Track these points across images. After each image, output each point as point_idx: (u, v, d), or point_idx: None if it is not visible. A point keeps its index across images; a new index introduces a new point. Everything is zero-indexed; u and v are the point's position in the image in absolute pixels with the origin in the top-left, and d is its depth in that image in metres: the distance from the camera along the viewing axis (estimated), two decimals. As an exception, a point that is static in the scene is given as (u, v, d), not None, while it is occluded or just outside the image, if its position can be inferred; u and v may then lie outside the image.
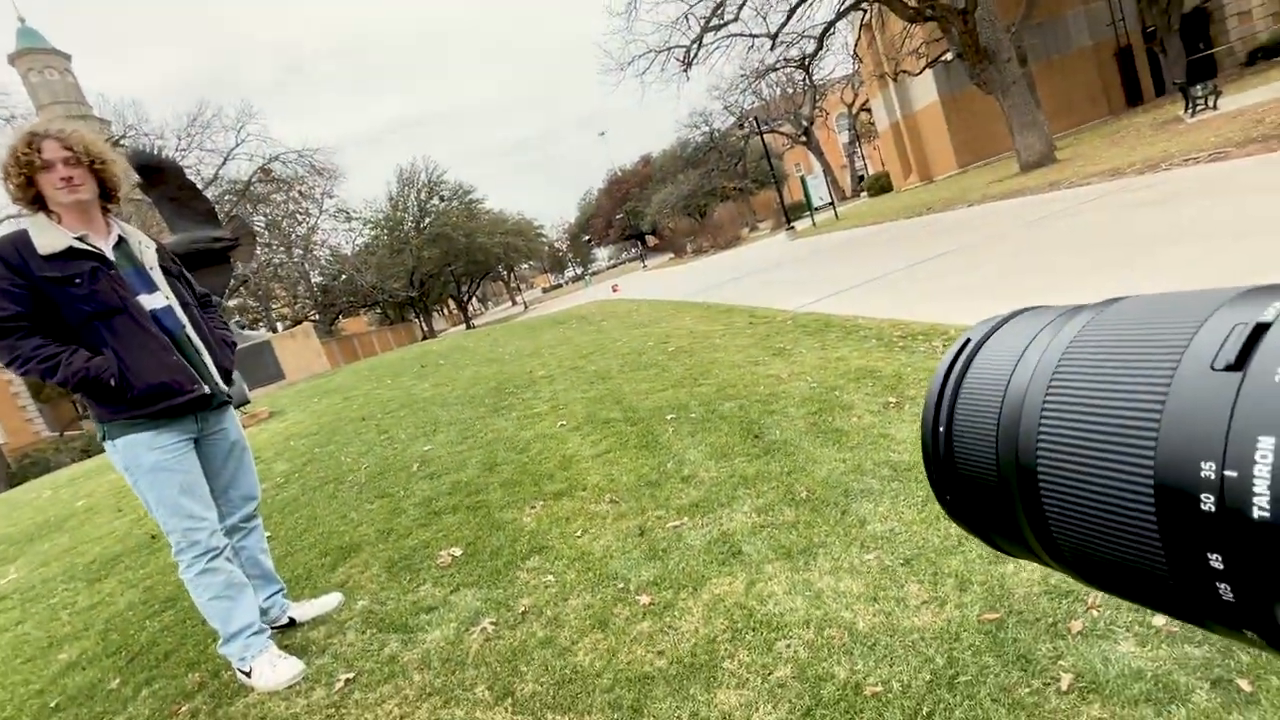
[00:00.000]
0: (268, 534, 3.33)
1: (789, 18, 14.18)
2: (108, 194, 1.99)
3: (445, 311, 56.37)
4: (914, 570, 1.75)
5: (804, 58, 18.47)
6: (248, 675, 1.98)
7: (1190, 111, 12.68)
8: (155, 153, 12.69)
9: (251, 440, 6.00)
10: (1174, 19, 18.70)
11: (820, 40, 16.40)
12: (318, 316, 29.57)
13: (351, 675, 1.91)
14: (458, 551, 2.56)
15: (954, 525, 1.91)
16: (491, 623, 2.00)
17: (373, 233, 34.72)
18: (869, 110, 34.11)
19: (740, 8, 12.70)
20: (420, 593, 2.33)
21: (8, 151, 1.88)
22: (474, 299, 53.92)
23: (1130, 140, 12.30)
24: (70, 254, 1.86)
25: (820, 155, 36.17)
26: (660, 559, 2.14)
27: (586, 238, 69.97)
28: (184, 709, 1.97)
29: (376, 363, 10.57)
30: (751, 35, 13.72)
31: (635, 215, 58.46)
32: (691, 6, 12.40)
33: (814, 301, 6.82)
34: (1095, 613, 1.45)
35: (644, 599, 1.93)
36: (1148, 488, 0.20)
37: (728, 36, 13.34)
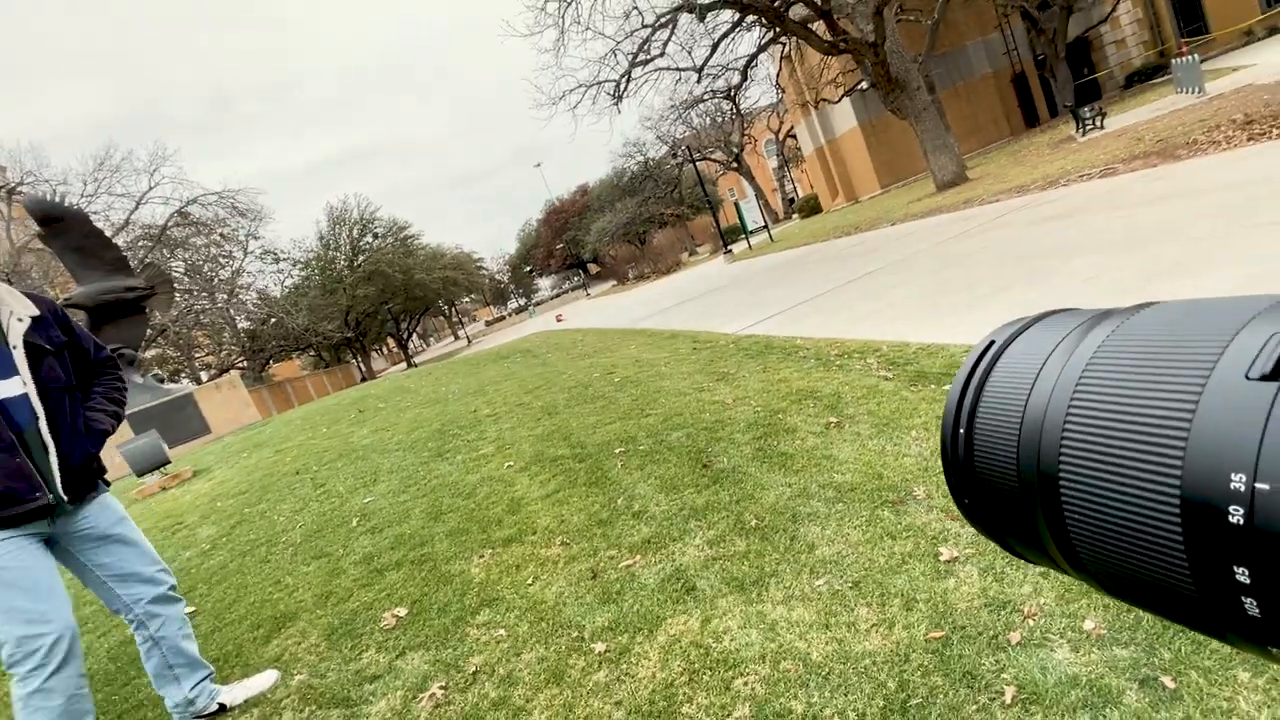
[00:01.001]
0: (192, 608, 3.09)
1: (712, 52, 14.76)
2: None
3: (385, 350, 54.69)
4: (862, 593, 1.78)
5: (730, 89, 19.22)
6: None
7: (1081, 131, 13.85)
8: (58, 200, 11.91)
9: (174, 504, 5.61)
10: (1060, 47, 20.51)
11: (744, 72, 17.12)
12: (245, 364, 28.10)
13: (288, 761, 1.78)
14: (402, 611, 2.44)
15: (898, 543, 1.96)
16: (441, 687, 1.91)
17: (303, 273, 33.48)
18: (795, 136, 35.66)
19: (665, 44, 13.16)
20: (363, 660, 2.20)
21: None
22: (414, 336, 52.56)
23: (1031, 159, 13.30)
24: None
25: (752, 180, 37.45)
26: (614, 602, 2.10)
27: (528, 268, 69.68)
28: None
29: (312, 409, 10.10)
30: (678, 69, 14.21)
31: (576, 244, 58.74)
32: (618, 43, 12.75)
33: (754, 324, 6.99)
34: (1032, 622, 1.50)
35: (599, 646, 1.88)
36: (1174, 498, 0.19)
37: (655, 70, 13.78)
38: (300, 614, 2.68)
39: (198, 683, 2.09)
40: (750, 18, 14.52)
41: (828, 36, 14.19)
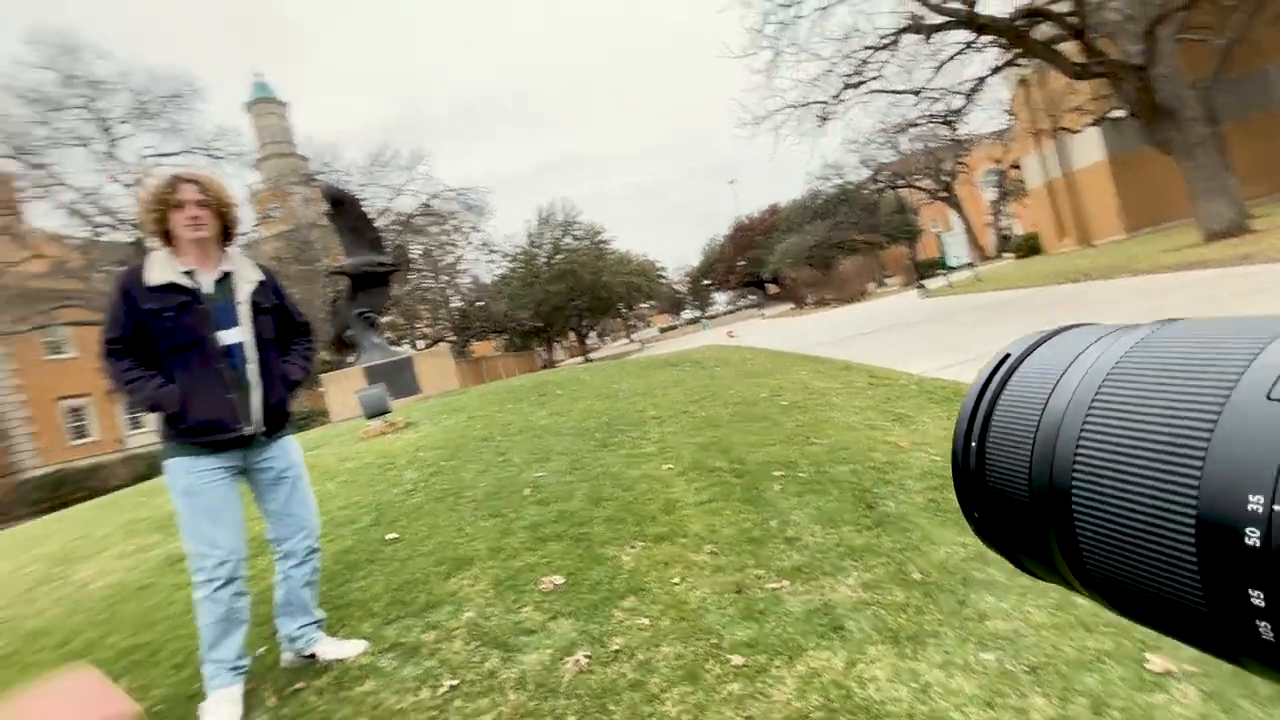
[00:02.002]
0: (393, 535, 3.65)
1: (936, 74, 13.82)
2: (227, 234, 2.30)
3: (564, 343, 59.04)
4: (1040, 680, 1.60)
5: (949, 113, 17.77)
6: (202, 702, 2.09)
7: None
8: (341, 188, 14.65)
9: (388, 447, 6.62)
10: None
11: (969, 96, 15.76)
12: (454, 338, 32.14)
13: (455, 683, 2.05)
14: (559, 580, 2.67)
15: (1092, 638, 1.72)
16: (585, 655, 2.07)
17: (510, 265, 37.45)
18: (1019, 167, 31.94)
19: (883, 65, 12.60)
20: (522, 614, 2.45)
21: (150, 190, 2.21)
22: (592, 333, 56.02)
23: (1352, 212, 10.53)
24: (169, 288, 2.13)
25: (961, 212, 34.26)
26: (757, 620, 2.11)
27: (707, 282, 70.68)
28: (316, 684, 2.20)
29: (500, 386, 11.27)
30: (894, 91, 13.50)
31: (757, 263, 58.35)
32: (834, 65, 12.49)
33: (944, 367, 6.43)
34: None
35: (736, 659, 1.90)
36: (1189, 518, 0.19)
37: (869, 92, 13.25)
38: (475, 561, 3.04)
39: (303, 625, 2.36)
40: (985, 38, 13.35)
41: (1079, 58, 12.54)
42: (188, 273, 2.17)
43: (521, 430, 6.25)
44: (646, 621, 2.23)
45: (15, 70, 19.78)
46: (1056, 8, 11.79)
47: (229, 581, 2.14)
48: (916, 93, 13.49)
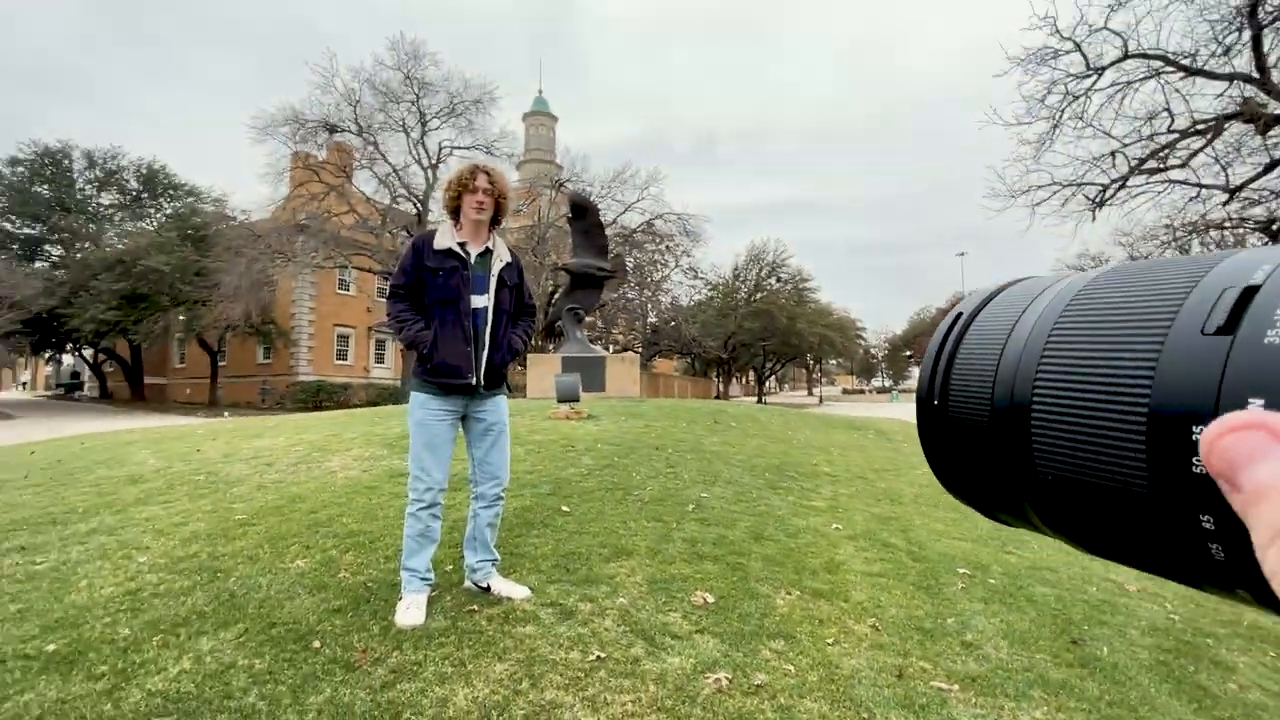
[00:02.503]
0: (566, 509, 3.97)
1: (1266, 171, 11.38)
2: (497, 219, 2.73)
3: (742, 380, 58.63)
4: None
5: (1274, 220, 14.53)
6: (399, 601, 2.48)
7: None
8: (586, 196, 16.28)
9: (571, 431, 7.19)
10: None
11: (1310, 203, 12.72)
12: (641, 350, 33.74)
13: (602, 655, 2.18)
14: (710, 598, 2.70)
15: None
16: (726, 677, 2.07)
17: (710, 293, 38.34)
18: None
19: (1194, 154, 10.66)
20: (669, 618, 2.52)
21: (455, 173, 2.69)
22: (772, 377, 54.92)
23: None
24: (449, 254, 2.58)
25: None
26: (917, 714, 1.94)
27: (908, 353, 65.54)
28: (487, 612, 2.49)
29: (676, 404, 11.60)
30: (1200, 184, 11.36)
31: (973, 346, 52.66)
32: (1125, 146, 10.88)
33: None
34: None
35: (887, 742, 1.78)
36: (1140, 451, 0.20)
37: (1166, 182, 11.30)
38: (634, 554, 3.19)
39: (483, 559, 2.69)
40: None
41: None
42: (462, 244, 2.66)
43: (692, 450, 6.39)
44: (793, 669, 2.17)
45: (375, 69, 25.26)
46: None
47: (431, 505, 2.59)
48: (1233, 190, 11.23)
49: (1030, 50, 10.81)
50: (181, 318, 29.86)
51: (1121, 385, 0.21)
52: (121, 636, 2.23)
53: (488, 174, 2.68)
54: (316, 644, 2.19)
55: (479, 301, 2.66)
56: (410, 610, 2.42)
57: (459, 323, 2.60)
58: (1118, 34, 10.27)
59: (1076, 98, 10.63)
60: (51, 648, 2.15)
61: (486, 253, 2.71)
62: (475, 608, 2.53)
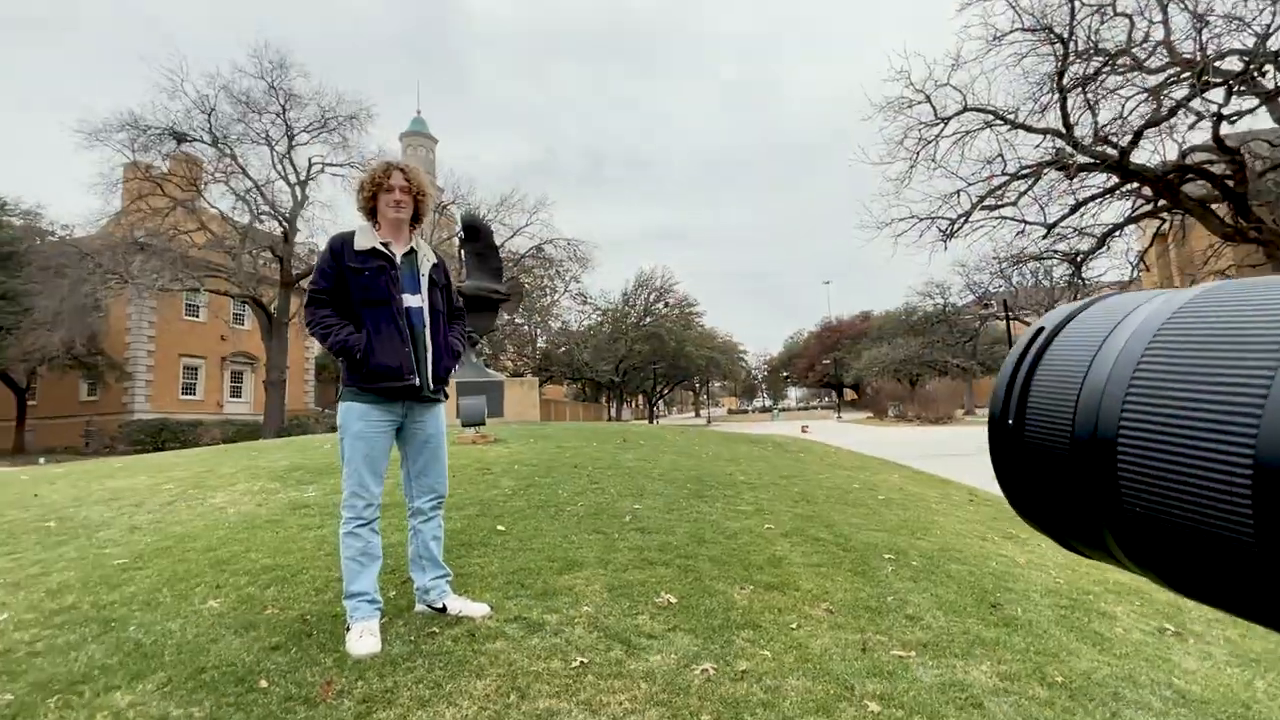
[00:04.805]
0: (501, 528, 3.82)
1: (1071, 212, 13.66)
2: (417, 217, 2.66)
3: (633, 404, 59.43)
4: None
5: (1076, 254, 17.37)
6: (347, 631, 2.27)
7: None
8: (478, 218, 15.94)
9: (481, 455, 6.92)
10: None
11: (1102, 240, 15.40)
12: (531, 376, 33.26)
13: (585, 661, 2.13)
14: (673, 599, 2.72)
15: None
16: (712, 668, 2.10)
17: (599, 319, 38.74)
18: (1143, 323, 30.26)
19: (1021, 195, 12.61)
20: (639, 620, 2.51)
21: (369, 173, 2.63)
22: (661, 400, 56.23)
23: None
24: (372, 254, 2.49)
25: (1070, 356, 32.64)
26: (886, 678, 2.08)
27: (785, 374, 69.95)
28: (450, 633, 2.34)
29: (580, 426, 11.54)
30: (1025, 221, 13.42)
31: (840, 365, 57.42)
32: (969, 185, 12.64)
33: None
34: None
35: (873, 705, 1.89)
36: (1245, 481, 0.18)
37: (999, 218, 13.23)
38: (585, 565, 3.14)
39: (435, 577, 2.55)
40: (1128, 185, 13.17)
41: (1230, 220, 12.09)
42: (385, 244, 2.55)
43: (610, 466, 6.39)
44: (769, 655, 2.24)
45: (234, 76, 23.24)
46: (1215, 168, 11.53)
47: (370, 522, 2.43)
48: (1049, 227, 13.34)
49: (889, 99, 12.27)
50: (-24, 349, 25.15)
51: (1224, 419, 0.19)
52: (3, 704, 1.84)
53: (403, 171, 2.60)
54: (263, 683, 1.94)
55: (411, 301, 2.56)
56: (364, 638, 2.22)
57: (394, 322, 2.48)
58: (958, 89, 11.96)
59: (928, 142, 12.20)
60: (-94, 726, 1.73)
61: (411, 252, 2.62)
62: (435, 629, 2.37)
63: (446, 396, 2.76)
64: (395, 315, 2.48)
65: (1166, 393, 0.22)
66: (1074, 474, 0.24)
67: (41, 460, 18.77)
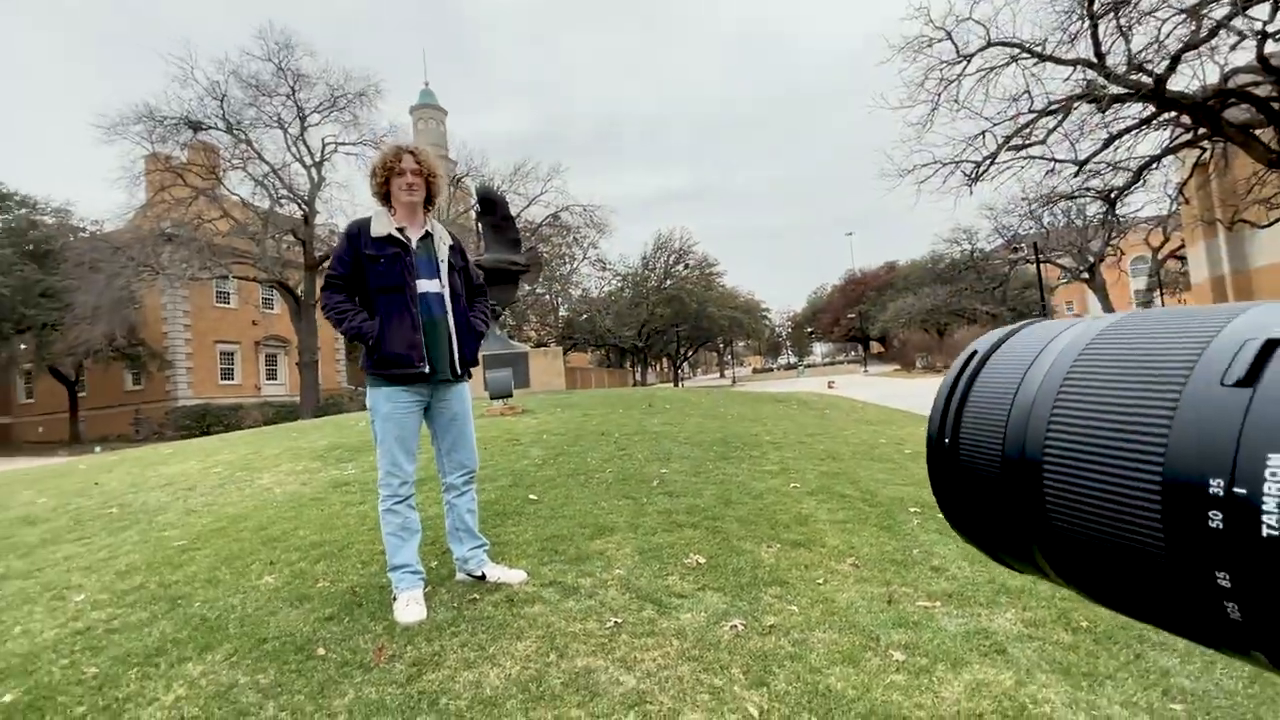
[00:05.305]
0: (533, 497, 3.95)
1: (1104, 147, 13.05)
2: (430, 199, 2.66)
3: (657, 367, 59.62)
4: (1240, 736, 1.55)
5: (1109, 190, 16.66)
6: (394, 601, 2.38)
7: None
8: (493, 189, 15.89)
9: (510, 426, 7.08)
10: None
11: (1137, 174, 14.73)
12: (555, 345, 33.50)
13: (619, 621, 2.23)
14: (702, 559, 2.81)
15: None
16: (741, 623, 2.19)
17: (620, 284, 38.62)
18: (1181, 258, 29.15)
19: (1050, 132, 12.07)
20: (669, 581, 2.61)
21: (379, 158, 2.61)
22: (685, 362, 56.29)
23: None
24: (387, 240, 2.50)
25: (1104, 297, 31.68)
26: (911, 628, 2.15)
27: (810, 330, 69.24)
28: (490, 599, 2.46)
29: (606, 393, 11.68)
30: (1055, 159, 12.87)
31: (865, 319, 56.58)
32: (994, 125, 12.13)
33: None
34: None
35: (897, 654, 1.96)
36: (1155, 504, 0.19)
37: (1027, 158, 12.71)
38: (616, 530, 3.25)
39: (474, 548, 2.65)
40: (1165, 115, 12.50)
41: (1277, 146, 11.44)
42: (400, 229, 2.57)
43: (637, 432, 6.49)
44: (796, 610, 2.32)
45: (243, 60, 23.21)
46: (1259, 91, 10.87)
47: (406, 499, 2.52)
48: (1080, 164, 12.80)
49: (908, 39, 11.75)
50: (23, 346, 26.25)
51: (1136, 437, 0.21)
52: (90, 675, 2.01)
53: (413, 154, 2.60)
54: (321, 651, 2.09)
55: (428, 287, 2.58)
56: (411, 606, 2.35)
57: (407, 310, 2.51)
58: (981, 24, 11.39)
59: (950, 82, 11.69)
60: (9, 698, 1.91)
61: (427, 236, 2.64)
62: (476, 596, 2.50)
63: (470, 375, 2.83)
64: (409, 302, 2.51)
65: (1086, 415, 0.23)
66: (1005, 493, 0.26)
67: (97, 449, 19.72)
